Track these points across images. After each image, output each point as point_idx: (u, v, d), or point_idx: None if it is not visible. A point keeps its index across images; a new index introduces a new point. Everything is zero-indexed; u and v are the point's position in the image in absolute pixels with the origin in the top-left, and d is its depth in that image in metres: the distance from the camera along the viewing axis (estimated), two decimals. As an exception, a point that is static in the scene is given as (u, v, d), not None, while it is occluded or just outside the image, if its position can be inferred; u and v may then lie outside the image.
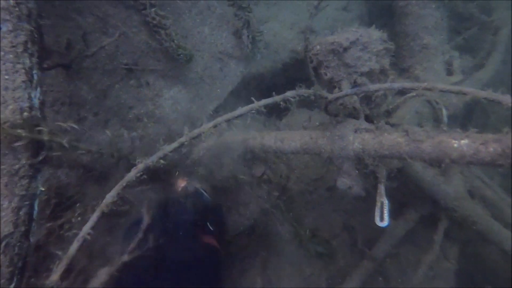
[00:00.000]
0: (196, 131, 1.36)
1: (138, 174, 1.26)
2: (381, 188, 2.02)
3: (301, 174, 3.05)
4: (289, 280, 2.57)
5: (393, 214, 2.96)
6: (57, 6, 1.74)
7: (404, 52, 3.53)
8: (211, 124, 1.38)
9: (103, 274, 1.44)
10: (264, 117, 3.47)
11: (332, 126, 1.93)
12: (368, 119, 2.01)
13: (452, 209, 2.70)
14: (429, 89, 1.34)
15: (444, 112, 3.03)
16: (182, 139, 1.34)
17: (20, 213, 1.25)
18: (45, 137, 1.34)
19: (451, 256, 2.95)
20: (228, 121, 1.41)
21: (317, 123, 3.13)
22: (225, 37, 2.79)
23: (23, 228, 1.26)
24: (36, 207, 1.33)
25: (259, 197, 2.52)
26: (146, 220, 1.37)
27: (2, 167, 1.23)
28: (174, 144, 1.32)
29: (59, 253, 1.19)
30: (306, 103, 3.40)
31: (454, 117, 3.42)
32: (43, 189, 1.33)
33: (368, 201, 2.99)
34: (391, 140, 1.68)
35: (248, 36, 2.60)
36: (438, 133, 1.55)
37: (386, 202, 1.97)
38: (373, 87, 1.49)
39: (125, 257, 1.43)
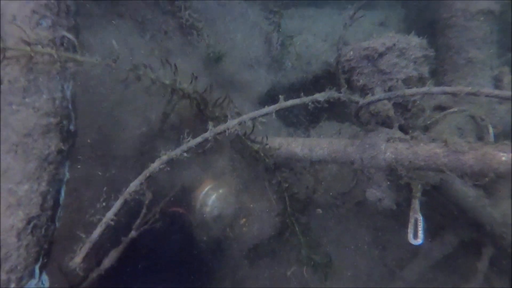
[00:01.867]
0: (221, 127, 1.35)
1: (161, 166, 1.27)
2: (416, 204, 1.87)
3: (328, 187, 2.93)
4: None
5: (429, 236, 2.74)
6: (102, 7, 1.87)
7: (446, 66, 3.32)
8: (236, 121, 1.36)
9: (114, 254, 1.47)
10: (292, 129, 3.42)
11: (362, 134, 1.84)
12: (403, 129, 1.89)
13: (499, 236, 2.42)
14: (474, 94, 1.23)
15: (491, 129, 2.78)
16: (206, 134, 1.34)
17: (47, 197, 1.31)
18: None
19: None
20: (253, 119, 1.39)
21: (347, 136, 3.01)
22: (256, 45, 2.82)
23: (49, 212, 1.31)
24: (62, 193, 1.38)
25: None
26: (148, 196, 1.39)
27: (34, 151, 1.31)
28: (198, 139, 1.32)
29: (83, 236, 1.22)
30: (336, 116, 3.31)
31: (505, 135, 3.12)
32: (68, 176, 1.39)
33: (399, 219, 2.78)
34: (427, 150, 1.55)
35: (278, 38, 2.61)
36: (482, 145, 1.41)
37: (420, 218, 1.82)
38: (409, 91, 1.40)
39: (133, 234, 1.46)
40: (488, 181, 1.34)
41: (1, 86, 1.47)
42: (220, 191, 2.06)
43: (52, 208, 1.33)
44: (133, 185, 1.22)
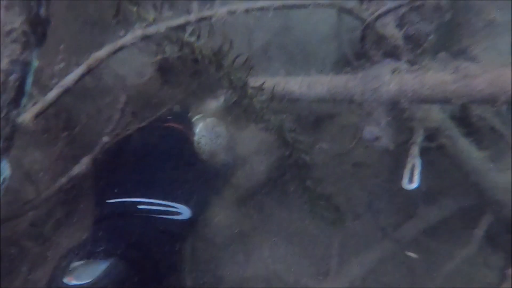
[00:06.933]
0: (206, 13, 1.22)
1: (134, 40, 1.14)
2: (415, 149, 1.75)
3: (326, 147, 2.82)
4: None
5: (427, 201, 2.62)
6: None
7: (462, 31, 3.12)
8: (225, 9, 1.23)
9: (86, 160, 1.38)
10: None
11: (367, 67, 1.71)
12: (412, 65, 1.75)
13: (499, 204, 2.30)
14: None
15: None
16: (190, 17, 1.20)
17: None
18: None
19: (493, 264, 2.53)
20: (247, 11, 1.25)
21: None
22: None
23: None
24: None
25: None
26: (122, 98, 1.29)
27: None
28: (181, 19, 1.19)
29: (37, 93, 1.09)
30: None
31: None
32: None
33: (397, 184, 2.67)
34: (435, 78, 1.42)
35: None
36: (500, 66, 1.27)
37: (418, 162, 1.71)
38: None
39: (106, 139, 1.36)
40: (500, 104, 1.21)
41: None
42: (208, 120, 1.92)
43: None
44: (99, 54, 1.10)
